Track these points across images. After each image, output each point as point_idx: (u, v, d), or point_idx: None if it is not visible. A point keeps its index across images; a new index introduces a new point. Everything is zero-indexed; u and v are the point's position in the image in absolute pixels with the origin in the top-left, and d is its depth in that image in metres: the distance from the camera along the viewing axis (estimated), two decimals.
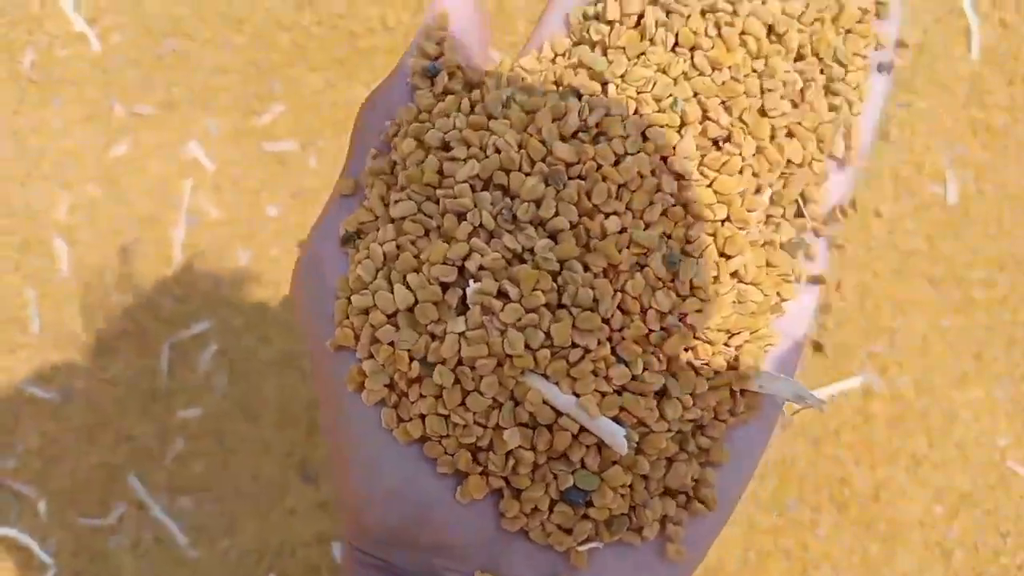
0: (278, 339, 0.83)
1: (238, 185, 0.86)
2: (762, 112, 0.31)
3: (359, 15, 0.90)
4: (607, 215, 0.29)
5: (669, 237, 0.30)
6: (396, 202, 0.33)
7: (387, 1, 0.91)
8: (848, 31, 0.33)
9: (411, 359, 0.29)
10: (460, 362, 0.29)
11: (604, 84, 0.31)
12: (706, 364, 0.30)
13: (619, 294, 0.29)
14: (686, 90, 0.31)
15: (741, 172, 0.30)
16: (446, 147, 0.33)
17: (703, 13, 0.31)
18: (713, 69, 0.31)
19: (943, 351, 0.85)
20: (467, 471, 0.29)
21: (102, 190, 0.85)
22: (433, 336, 0.29)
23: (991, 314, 0.85)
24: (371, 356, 0.30)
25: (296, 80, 0.88)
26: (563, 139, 0.30)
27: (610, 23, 0.32)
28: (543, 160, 0.30)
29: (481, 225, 0.30)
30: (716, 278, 0.30)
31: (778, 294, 0.31)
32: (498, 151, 0.31)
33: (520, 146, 0.31)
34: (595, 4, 0.33)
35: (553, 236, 0.29)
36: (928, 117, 0.89)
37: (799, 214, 0.32)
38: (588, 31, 0.33)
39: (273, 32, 0.89)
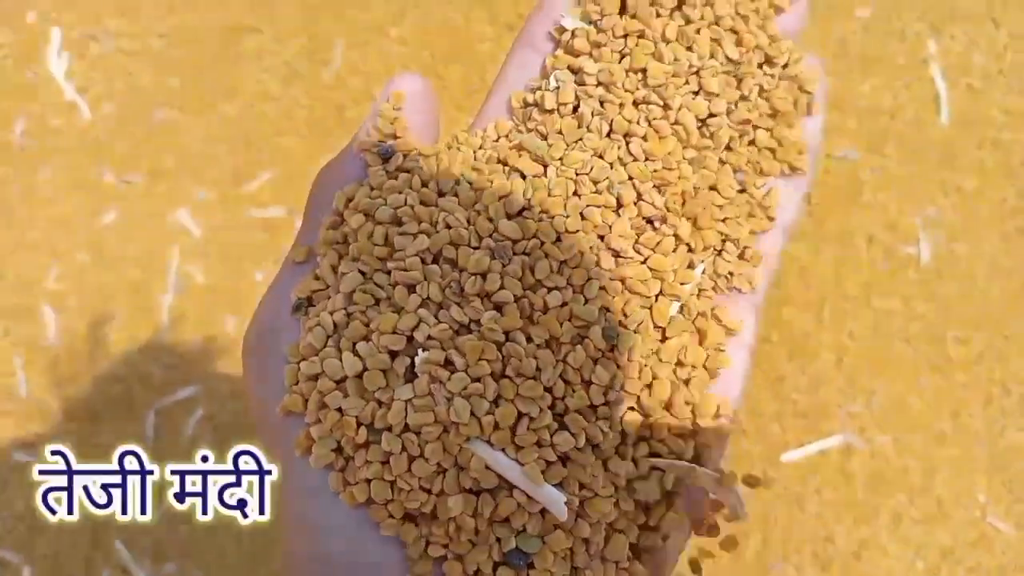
0: None
1: (225, 251, 0.87)
2: (693, 196, 0.33)
3: (346, 87, 0.92)
4: (549, 290, 0.31)
5: (608, 311, 0.31)
6: (346, 272, 0.33)
7: (371, 74, 0.93)
8: (778, 143, 0.35)
9: (359, 425, 0.30)
10: (407, 428, 0.30)
11: (545, 166, 0.33)
12: (648, 432, 0.31)
13: (561, 364, 0.30)
14: (621, 174, 0.32)
15: (675, 250, 0.32)
16: (397, 222, 0.33)
17: (635, 104, 0.33)
18: (647, 157, 0.33)
19: (921, 409, 0.85)
20: (408, 539, 0.30)
21: (90, 257, 0.86)
22: (380, 403, 0.30)
23: (968, 372, 0.86)
24: (319, 421, 0.31)
25: (284, 149, 0.90)
26: (508, 217, 0.32)
27: (548, 111, 0.34)
28: (490, 236, 0.32)
29: (429, 297, 0.31)
30: (655, 352, 0.31)
31: (706, 365, 0.32)
32: (448, 227, 0.32)
33: (469, 222, 0.32)
34: (533, 92, 0.35)
35: (499, 308, 0.30)
36: (900, 180, 0.91)
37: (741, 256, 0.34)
38: (529, 116, 0.34)
39: (262, 103, 0.91)
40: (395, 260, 0.33)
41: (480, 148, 0.35)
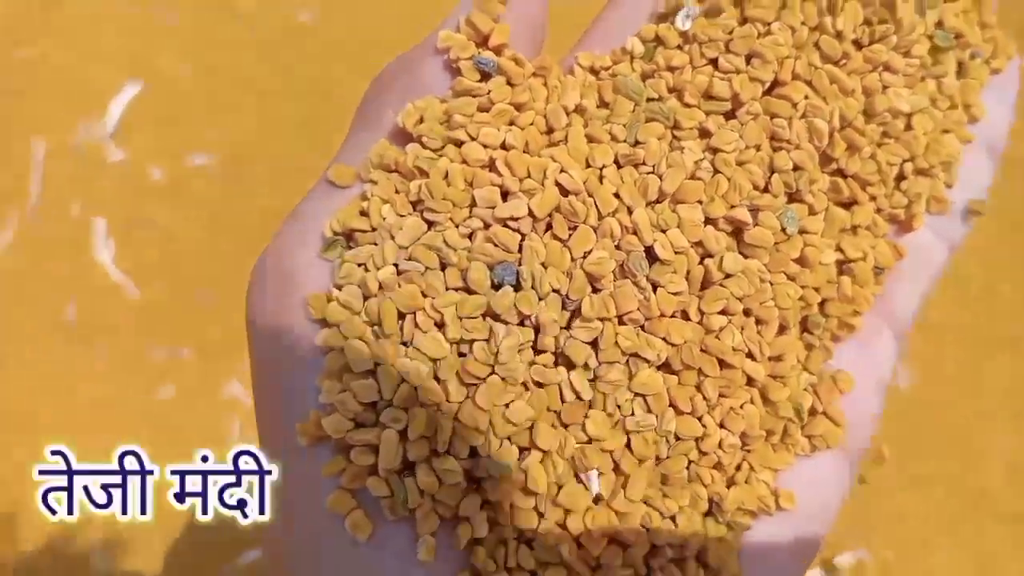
0: None
1: None
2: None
3: None
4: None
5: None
6: (405, 216, 0.30)
7: None
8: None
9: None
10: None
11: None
12: None
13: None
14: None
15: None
16: (489, 165, 0.30)
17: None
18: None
19: None
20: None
21: (148, 434, 0.88)
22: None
23: None
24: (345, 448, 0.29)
25: None
26: (649, 204, 0.30)
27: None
28: (622, 228, 0.30)
29: (526, 286, 0.29)
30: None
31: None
32: (563, 190, 0.30)
33: (588, 190, 0.30)
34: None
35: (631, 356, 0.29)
36: None
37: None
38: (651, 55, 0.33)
39: None
40: (477, 216, 0.30)
41: (612, 67, 0.33)
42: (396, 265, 0.29)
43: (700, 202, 0.30)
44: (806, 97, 0.32)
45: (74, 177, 0.96)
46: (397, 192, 0.30)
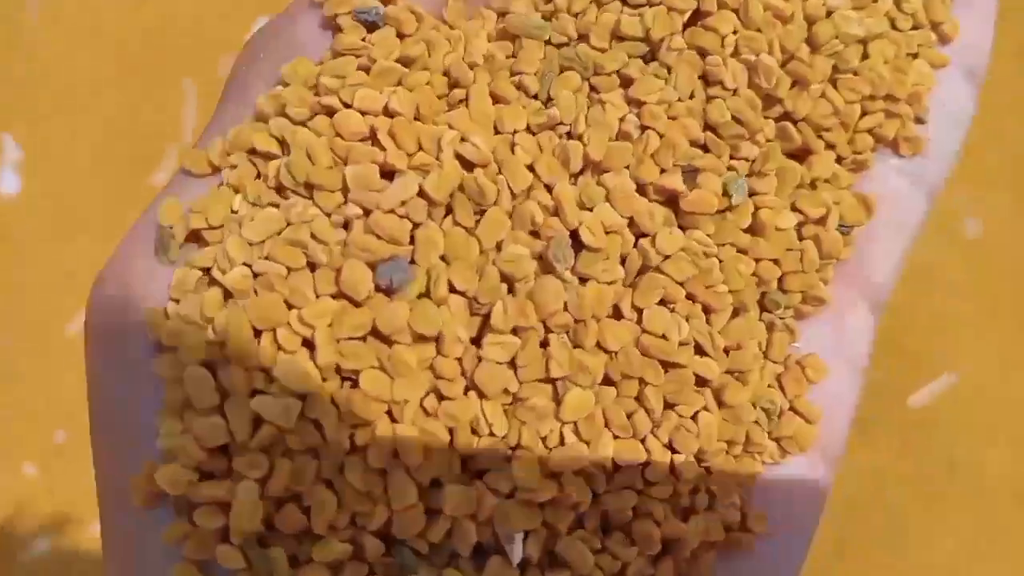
0: None
1: None
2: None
3: None
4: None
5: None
6: (260, 205, 0.24)
7: None
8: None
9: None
10: None
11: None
12: None
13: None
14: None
15: None
16: (370, 138, 0.24)
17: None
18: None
19: None
20: None
21: None
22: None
23: None
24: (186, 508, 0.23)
25: None
26: (572, 176, 0.26)
27: None
28: (542, 210, 0.25)
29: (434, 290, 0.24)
30: None
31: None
32: (466, 164, 0.24)
33: (498, 163, 0.25)
34: None
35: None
36: None
37: None
38: None
39: None
40: (353, 202, 0.24)
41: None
42: (250, 267, 0.23)
43: (628, 167, 0.26)
44: (734, 32, 0.27)
45: None
46: (258, 178, 0.24)
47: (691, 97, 0.26)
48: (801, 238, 0.27)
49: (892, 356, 0.87)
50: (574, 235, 0.24)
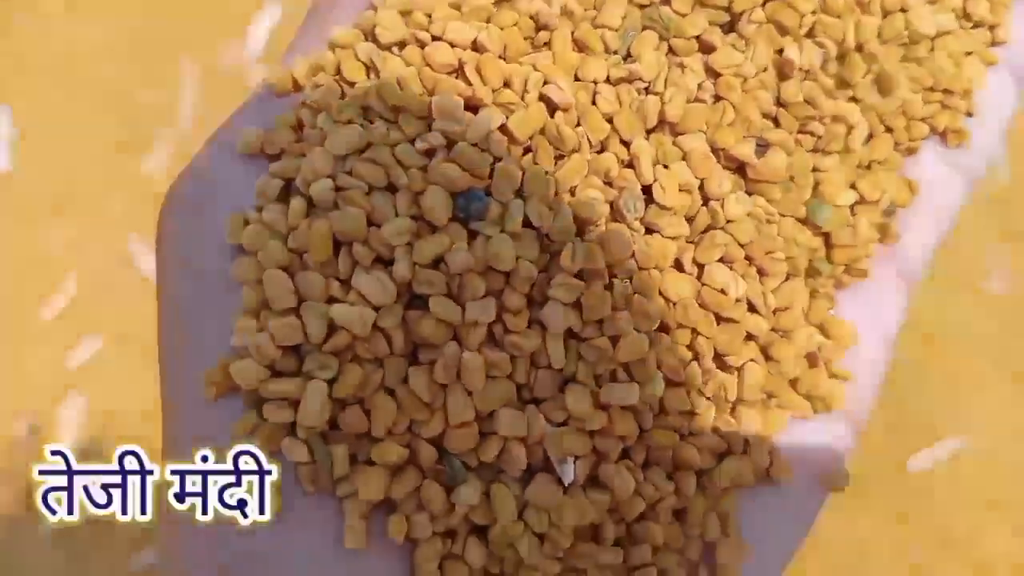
0: None
1: None
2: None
3: None
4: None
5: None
6: (342, 122, 0.25)
7: None
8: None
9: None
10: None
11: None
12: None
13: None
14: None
15: None
16: (459, 70, 0.26)
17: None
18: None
19: None
20: None
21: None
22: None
23: None
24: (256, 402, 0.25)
25: None
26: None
27: None
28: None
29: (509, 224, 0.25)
30: None
31: None
32: (547, 103, 0.26)
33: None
34: None
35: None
36: None
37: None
38: None
39: None
40: (438, 130, 0.25)
41: None
42: (333, 179, 0.24)
43: (702, 132, 0.27)
44: (813, 12, 0.28)
45: (221, 97, 0.94)
46: (343, 98, 0.25)
47: (765, 71, 0.28)
48: (853, 213, 0.29)
49: (897, 415, 0.83)
50: (645, 189, 0.26)
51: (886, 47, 0.29)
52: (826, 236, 0.29)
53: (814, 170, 0.28)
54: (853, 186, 0.29)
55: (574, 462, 0.25)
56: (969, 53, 0.31)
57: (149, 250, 0.84)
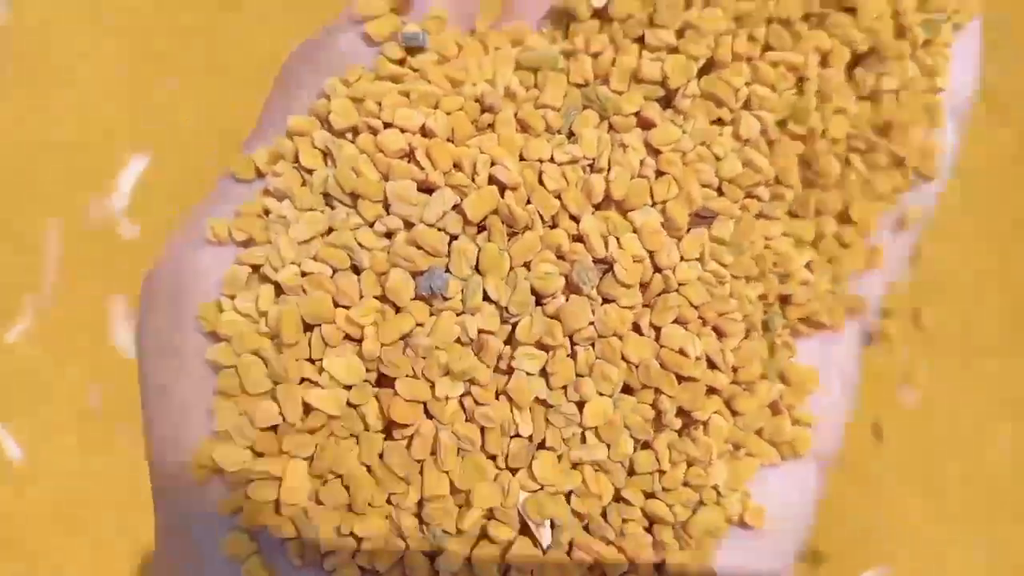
0: None
1: None
2: None
3: None
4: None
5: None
6: (305, 209, 0.26)
7: None
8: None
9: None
10: None
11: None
12: None
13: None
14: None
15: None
16: (407, 155, 0.26)
17: None
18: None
19: None
20: None
21: None
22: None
23: None
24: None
25: None
26: (596, 207, 0.27)
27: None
28: (568, 235, 0.26)
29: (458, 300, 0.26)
30: None
31: None
32: (500, 187, 0.26)
33: (528, 184, 0.26)
34: None
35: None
36: None
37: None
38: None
39: None
40: (396, 214, 0.26)
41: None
42: (298, 266, 0.26)
43: (650, 205, 0.28)
44: (747, 84, 0.29)
45: (89, 257, 0.90)
46: (303, 185, 0.26)
47: (703, 144, 0.29)
48: (811, 270, 0.30)
49: (822, 544, 0.80)
50: (597, 260, 0.27)
51: (827, 108, 0.29)
52: (781, 294, 0.30)
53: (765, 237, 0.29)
54: (812, 243, 0.30)
55: (551, 526, 0.26)
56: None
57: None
